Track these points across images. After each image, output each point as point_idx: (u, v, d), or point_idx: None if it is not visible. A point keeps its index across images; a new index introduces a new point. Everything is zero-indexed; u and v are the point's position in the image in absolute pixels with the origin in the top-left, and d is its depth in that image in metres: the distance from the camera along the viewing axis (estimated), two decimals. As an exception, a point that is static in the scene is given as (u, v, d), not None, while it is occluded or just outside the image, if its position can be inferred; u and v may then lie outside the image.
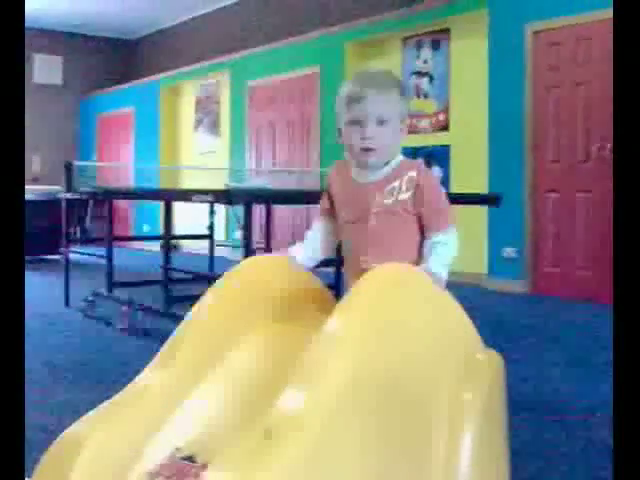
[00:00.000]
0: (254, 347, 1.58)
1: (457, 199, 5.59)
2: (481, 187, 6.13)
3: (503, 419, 1.70)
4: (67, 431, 1.40)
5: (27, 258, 7.97)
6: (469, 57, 6.59)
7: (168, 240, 4.45)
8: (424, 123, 7.00)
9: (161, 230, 4.68)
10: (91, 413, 1.45)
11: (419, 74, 7.04)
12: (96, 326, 4.38)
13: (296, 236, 7.78)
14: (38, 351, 3.66)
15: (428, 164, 6.90)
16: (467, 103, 6.61)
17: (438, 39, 6.86)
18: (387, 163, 1.70)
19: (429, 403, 1.51)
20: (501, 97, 6.07)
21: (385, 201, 1.68)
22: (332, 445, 1.26)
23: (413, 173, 1.68)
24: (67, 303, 5.05)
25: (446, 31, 6.80)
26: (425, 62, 6.99)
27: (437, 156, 6.84)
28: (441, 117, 6.86)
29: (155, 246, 9.35)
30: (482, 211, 6.06)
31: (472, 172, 6.43)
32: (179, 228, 8.23)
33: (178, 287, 4.38)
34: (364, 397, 1.34)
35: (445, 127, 6.84)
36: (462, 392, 1.52)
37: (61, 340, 3.96)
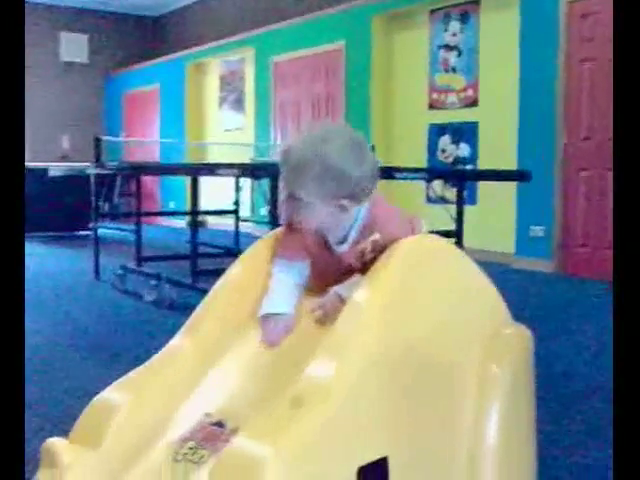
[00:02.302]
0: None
1: (485, 175, 5.57)
2: (510, 165, 6.06)
3: (531, 394, 1.69)
4: (99, 397, 1.42)
5: (57, 234, 8.07)
6: (499, 29, 6.48)
7: (195, 215, 4.47)
8: (452, 98, 6.93)
9: (187, 207, 4.71)
10: (122, 380, 1.46)
11: (447, 48, 6.95)
12: (125, 299, 4.43)
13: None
14: (68, 323, 3.71)
15: (456, 141, 6.84)
16: (497, 78, 6.51)
17: (467, 11, 6.76)
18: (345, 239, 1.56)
19: (457, 375, 1.50)
20: (532, 71, 5.97)
21: (355, 262, 1.56)
22: (359, 414, 1.26)
23: (376, 236, 1.52)
24: (97, 277, 5.11)
25: (476, 2, 6.69)
26: (454, 35, 6.89)
27: (465, 133, 6.77)
28: (470, 92, 6.78)
29: (181, 223, 9.41)
30: (511, 190, 6.00)
31: (501, 149, 6.36)
32: (205, 205, 8.26)
33: (205, 261, 4.40)
34: (391, 367, 1.34)
35: (474, 103, 6.76)
36: (490, 365, 1.51)
37: (91, 313, 4.01)
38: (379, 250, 1.50)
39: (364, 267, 1.52)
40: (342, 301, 1.46)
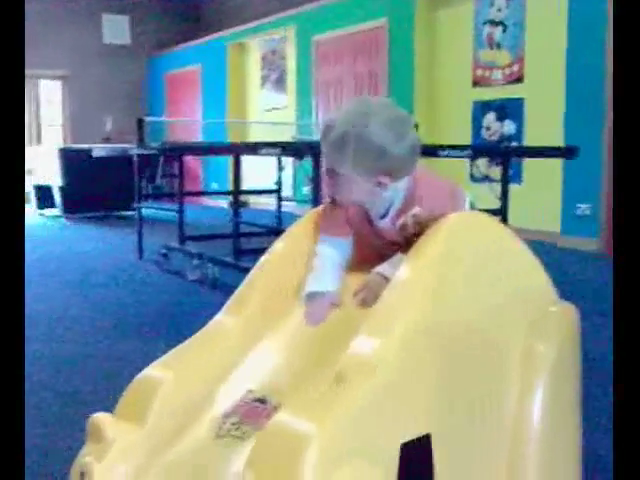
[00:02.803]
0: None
1: (531, 152, 5.47)
2: (557, 142, 5.93)
3: (576, 373, 1.65)
4: (143, 374, 1.44)
5: (101, 214, 8.18)
6: (546, 3, 6.33)
7: (237, 194, 4.48)
8: (496, 75, 6.81)
9: (229, 187, 4.71)
10: (166, 356, 1.47)
11: (492, 23, 6.82)
12: (168, 278, 4.47)
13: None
14: (112, 302, 3.75)
15: (501, 118, 6.73)
16: (543, 53, 6.38)
17: (513, -15, 6.62)
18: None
19: (501, 353, 1.48)
20: (580, 46, 5.83)
21: (397, 237, 1.54)
22: (403, 391, 1.25)
23: (416, 210, 1.49)
24: (141, 256, 5.17)
25: (522, -23, 6.55)
26: (499, 10, 6.75)
27: (510, 109, 6.65)
28: (515, 68, 6.65)
29: (224, 203, 9.47)
30: (557, 168, 5.89)
31: (547, 126, 6.24)
32: (247, 185, 8.29)
33: (247, 241, 4.42)
34: (436, 345, 1.32)
35: (519, 79, 6.63)
36: (536, 344, 1.48)
37: (134, 291, 4.06)
38: (421, 225, 1.48)
39: (407, 243, 1.50)
40: (385, 281, 1.44)
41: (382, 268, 1.49)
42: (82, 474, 1.29)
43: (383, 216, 1.53)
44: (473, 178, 6.87)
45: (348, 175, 1.43)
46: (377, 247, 1.57)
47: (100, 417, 1.36)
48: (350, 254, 1.59)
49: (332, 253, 1.56)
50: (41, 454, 1.81)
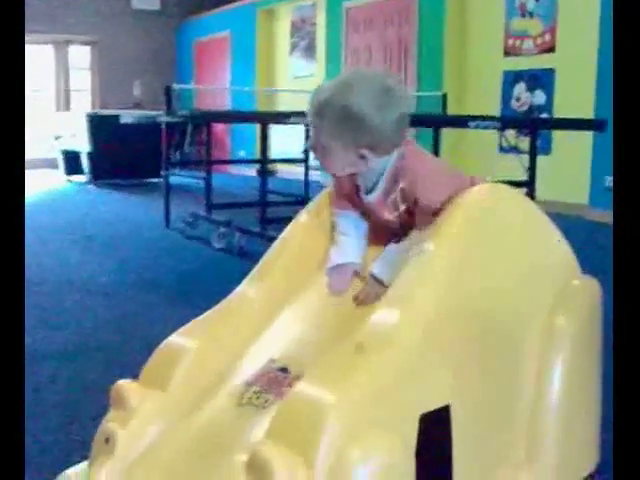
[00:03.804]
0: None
1: (560, 124, 5.39)
2: (587, 114, 5.83)
3: (597, 347, 1.64)
4: (167, 341, 1.45)
5: (129, 182, 8.23)
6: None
7: (265, 163, 4.47)
8: (527, 44, 6.69)
9: (257, 155, 4.71)
10: (189, 324, 1.49)
11: (524, -9, 6.69)
12: (194, 246, 4.50)
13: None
14: (138, 268, 3.79)
15: (531, 89, 6.63)
16: (576, 23, 6.24)
17: (547, -47, 6.47)
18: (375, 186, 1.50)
19: (522, 325, 1.48)
20: (613, 16, 5.69)
21: (390, 216, 1.51)
22: (422, 362, 1.26)
23: (403, 184, 1.45)
24: (167, 224, 5.20)
25: (556, -57, 6.40)
26: (532, -22, 6.63)
27: (541, 80, 6.55)
28: (547, 38, 6.53)
29: (251, 171, 9.47)
30: (586, 139, 5.80)
31: (578, 97, 6.13)
32: (275, 154, 8.26)
33: (274, 210, 4.42)
34: (456, 317, 1.33)
35: (551, 49, 6.51)
36: (557, 317, 1.48)
37: (161, 258, 4.09)
38: (410, 202, 1.45)
39: (402, 225, 1.49)
40: (380, 284, 1.43)
41: (375, 269, 1.47)
42: (106, 440, 1.32)
43: (370, 191, 1.50)
44: (502, 149, 6.79)
45: (329, 146, 1.41)
46: (375, 227, 1.56)
47: (124, 384, 1.38)
48: (364, 225, 1.57)
49: (349, 225, 1.55)
50: (66, 419, 1.85)
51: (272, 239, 1.67)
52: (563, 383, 1.48)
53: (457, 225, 1.39)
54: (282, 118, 4.18)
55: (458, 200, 1.43)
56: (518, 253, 1.49)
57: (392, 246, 1.50)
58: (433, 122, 4.51)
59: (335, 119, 1.37)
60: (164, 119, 5.06)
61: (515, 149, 6.30)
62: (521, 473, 1.45)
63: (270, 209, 4.42)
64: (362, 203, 1.54)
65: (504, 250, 1.46)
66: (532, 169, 4.11)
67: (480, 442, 1.38)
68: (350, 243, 1.53)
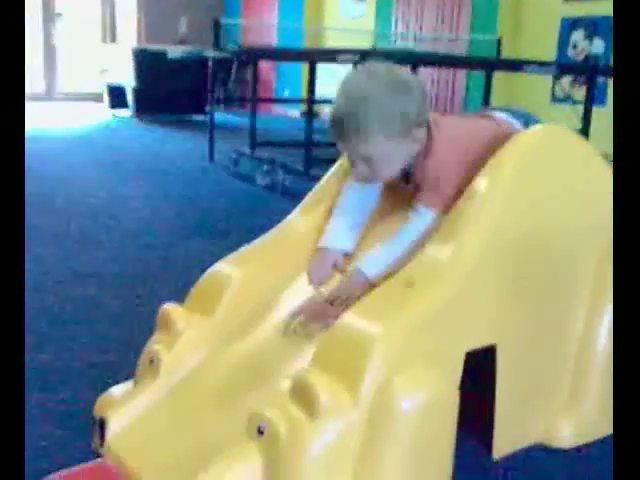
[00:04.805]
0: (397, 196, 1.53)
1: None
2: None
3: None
4: (214, 268, 1.46)
5: (173, 117, 8.23)
6: None
7: (311, 102, 4.42)
8: (588, -10, 6.44)
9: (303, 94, 4.65)
10: (236, 253, 1.48)
11: None
12: (238, 183, 4.50)
13: (439, 101, 7.59)
14: (183, 203, 3.81)
15: (589, 37, 6.42)
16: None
17: None
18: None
19: (573, 268, 1.46)
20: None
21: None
22: (471, 299, 1.25)
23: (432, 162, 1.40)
24: (211, 161, 5.20)
25: None
26: None
27: (600, 27, 6.33)
28: (608, -17, 6.29)
29: (295, 112, 9.39)
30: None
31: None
32: (320, 95, 8.16)
33: (318, 151, 4.38)
34: (507, 256, 1.31)
35: (611, -5, 6.27)
36: (607, 265, 1.44)
37: (204, 194, 4.10)
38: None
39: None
40: (365, 280, 1.34)
41: (367, 268, 1.36)
42: (151, 361, 1.33)
43: (406, 175, 1.44)
44: (554, 98, 6.62)
45: (378, 151, 1.33)
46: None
47: (170, 308, 1.39)
48: (377, 199, 1.51)
49: (354, 201, 1.48)
50: (115, 344, 1.88)
51: (316, 179, 1.64)
52: (611, 333, 1.45)
53: (515, 163, 1.36)
54: (331, 55, 4.11)
55: (520, 137, 1.40)
56: (574, 196, 1.45)
57: (390, 239, 1.40)
58: (487, 64, 4.40)
59: (372, 118, 1.31)
60: (211, 54, 5.02)
61: (569, 98, 6.14)
62: (562, 415, 1.45)
63: (314, 150, 4.37)
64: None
65: (558, 192, 1.42)
66: (587, 119, 3.99)
67: (524, 382, 1.37)
68: (343, 226, 1.47)
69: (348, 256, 1.45)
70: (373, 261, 1.36)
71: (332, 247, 1.45)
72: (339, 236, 1.46)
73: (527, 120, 1.56)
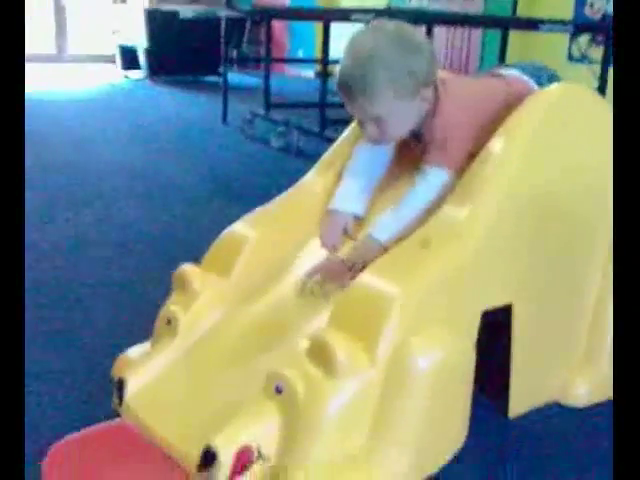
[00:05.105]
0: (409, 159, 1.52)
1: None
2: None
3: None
4: (230, 229, 1.46)
5: (186, 78, 8.19)
6: None
7: (326, 62, 4.37)
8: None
9: (317, 54, 4.61)
10: (252, 214, 1.48)
11: None
12: (252, 144, 4.48)
13: (454, 61, 7.49)
14: (196, 165, 3.80)
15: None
16: None
17: None
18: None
19: (590, 230, 1.45)
20: None
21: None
22: (488, 260, 1.24)
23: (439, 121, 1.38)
24: (225, 122, 5.18)
25: None
26: None
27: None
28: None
29: (309, 73, 9.31)
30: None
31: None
32: (334, 55, 8.06)
33: (333, 111, 4.34)
34: (525, 216, 1.30)
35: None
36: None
37: (218, 155, 4.09)
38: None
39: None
40: (379, 247, 1.33)
41: (379, 233, 1.35)
42: (168, 321, 1.34)
43: (417, 135, 1.42)
44: (571, 58, 6.52)
45: (386, 109, 1.31)
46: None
47: (187, 268, 1.40)
48: (387, 161, 1.49)
49: (365, 162, 1.47)
50: (132, 305, 1.89)
51: (330, 140, 1.63)
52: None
53: (527, 125, 1.34)
54: (345, 14, 4.05)
55: (537, 97, 1.38)
56: (590, 156, 1.43)
57: (400, 202, 1.38)
58: (502, 23, 4.34)
59: (380, 78, 1.29)
60: (224, 13, 4.96)
61: (586, 58, 6.05)
62: (578, 373, 1.45)
63: (329, 111, 4.33)
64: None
65: (579, 152, 1.41)
66: (604, 79, 3.94)
67: (540, 341, 1.38)
68: (353, 188, 1.45)
69: (358, 219, 1.44)
70: (385, 226, 1.35)
71: (342, 210, 1.43)
72: (349, 199, 1.45)
73: (549, 77, 1.53)
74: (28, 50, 9.84)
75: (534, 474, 1.24)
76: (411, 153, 1.46)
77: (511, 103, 1.37)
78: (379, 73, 1.29)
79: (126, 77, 8.64)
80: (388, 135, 1.37)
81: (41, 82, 7.26)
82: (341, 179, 1.48)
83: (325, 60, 4.38)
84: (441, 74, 1.40)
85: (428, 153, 1.37)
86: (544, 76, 1.54)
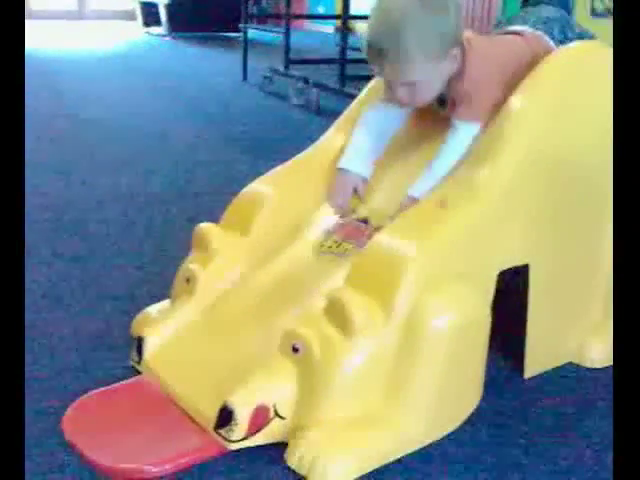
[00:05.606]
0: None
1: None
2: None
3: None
4: (248, 188, 1.46)
5: (206, 34, 8.13)
6: None
7: (345, 19, 4.32)
8: None
9: (337, 10, 4.54)
10: (270, 173, 1.48)
11: None
12: (272, 101, 4.46)
13: (475, 10, 7.36)
14: (215, 122, 3.79)
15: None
16: None
17: None
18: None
19: (608, 191, 1.42)
20: None
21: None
22: (505, 219, 1.24)
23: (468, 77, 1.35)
24: (244, 79, 5.15)
25: None
26: None
27: None
28: None
29: (329, 29, 9.20)
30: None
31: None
32: (355, 10, 7.96)
33: (353, 67, 4.30)
34: (542, 177, 1.29)
35: None
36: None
37: (238, 112, 4.08)
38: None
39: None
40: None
41: (415, 190, 1.33)
42: (187, 280, 1.35)
43: (442, 103, 1.40)
44: (594, 13, 6.38)
45: (420, 70, 1.29)
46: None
47: (206, 227, 1.40)
48: (399, 124, 1.47)
49: (378, 121, 1.45)
50: (153, 262, 1.91)
51: (351, 96, 1.62)
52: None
53: (548, 83, 1.32)
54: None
55: (556, 55, 1.36)
56: (611, 117, 1.41)
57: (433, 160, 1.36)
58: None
59: (412, 40, 1.26)
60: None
61: (609, 13, 5.92)
62: (594, 335, 1.45)
63: (349, 67, 4.29)
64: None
65: (597, 112, 1.38)
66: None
67: (556, 302, 1.38)
68: (365, 148, 1.44)
69: (367, 182, 1.43)
70: (420, 183, 1.34)
71: (354, 171, 1.43)
72: (360, 160, 1.44)
73: (579, 35, 1.51)
74: (49, 6, 9.79)
75: (548, 435, 1.24)
76: (423, 121, 1.45)
77: (532, 62, 1.35)
78: (410, 36, 1.26)
79: (147, 33, 8.60)
80: (419, 98, 1.35)
81: (62, 39, 7.24)
82: (353, 135, 1.46)
83: (345, 15, 4.32)
84: (465, 33, 1.38)
85: (457, 110, 1.36)
86: (569, 33, 1.51)
